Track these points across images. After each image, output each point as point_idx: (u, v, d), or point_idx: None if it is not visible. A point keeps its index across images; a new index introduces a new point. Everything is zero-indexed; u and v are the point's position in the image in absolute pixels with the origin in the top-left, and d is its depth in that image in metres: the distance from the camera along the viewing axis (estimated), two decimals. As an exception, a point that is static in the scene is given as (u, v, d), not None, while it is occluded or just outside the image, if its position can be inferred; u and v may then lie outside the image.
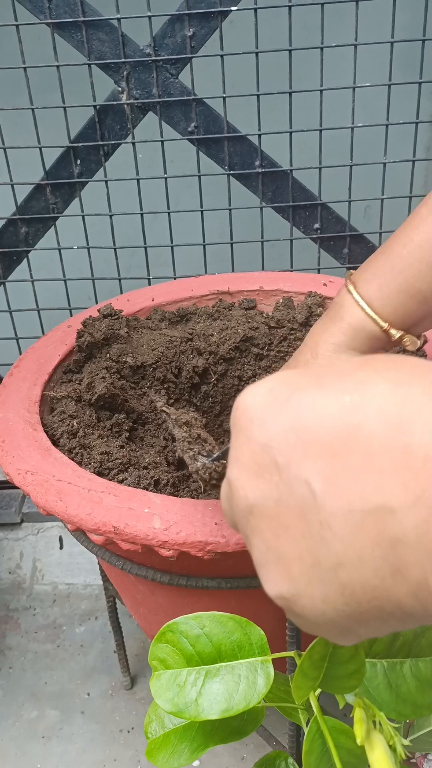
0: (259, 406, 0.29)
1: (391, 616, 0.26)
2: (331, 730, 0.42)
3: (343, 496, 0.26)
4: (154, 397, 0.74)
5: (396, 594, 0.25)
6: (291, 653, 0.49)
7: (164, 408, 0.60)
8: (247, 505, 0.29)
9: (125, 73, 0.95)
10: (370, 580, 0.26)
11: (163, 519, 0.56)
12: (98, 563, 0.93)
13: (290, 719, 0.55)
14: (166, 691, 0.45)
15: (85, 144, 1.00)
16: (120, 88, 0.96)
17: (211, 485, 0.45)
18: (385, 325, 0.58)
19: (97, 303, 1.03)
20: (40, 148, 1.00)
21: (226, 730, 0.49)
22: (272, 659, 0.47)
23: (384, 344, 0.60)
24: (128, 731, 1.01)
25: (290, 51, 0.92)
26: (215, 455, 0.45)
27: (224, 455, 0.44)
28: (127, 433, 0.73)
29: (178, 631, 0.46)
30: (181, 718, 0.44)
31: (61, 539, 1.27)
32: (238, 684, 0.45)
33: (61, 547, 1.27)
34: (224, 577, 0.62)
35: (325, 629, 0.29)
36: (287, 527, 0.28)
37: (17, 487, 1.36)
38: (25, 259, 1.10)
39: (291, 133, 0.98)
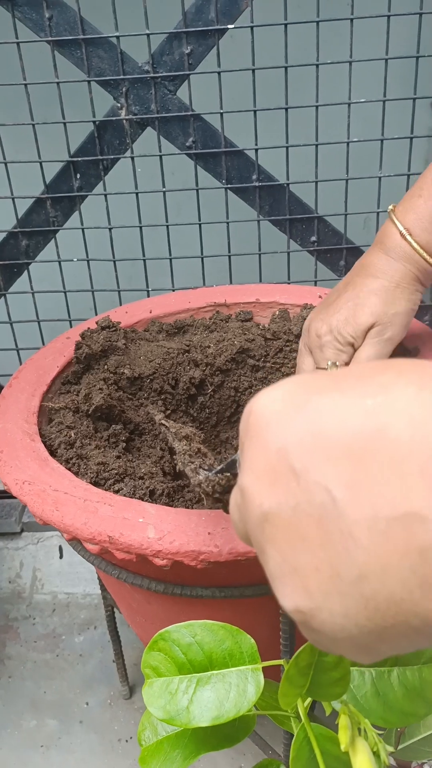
0: (275, 410, 0.28)
1: (417, 632, 0.25)
2: (318, 737, 0.42)
3: (367, 503, 0.24)
4: (152, 411, 0.74)
5: (424, 608, 0.24)
6: (281, 661, 0.49)
7: (163, 421, 0.61)
8: (261, 514, 0.28)
9: (124, 89, 0.96)
10: (397, 593, 0.24)
11: (157, 529, 0.57)
12: (97, 572, 0.94)
13: (282, 727, 0.55)
14: (158, 698, 0.46)
15: (85, 158, 1.01)
16: (119, 104, 0.98)
17: (213, 498, 0.45)
18: None
19: (97, 314, 1.05)
20: (41, 163, 1.01)
21: (218, 737, 0.50)
22: (263, 667, 0.47)
23: None
24: (126, 741, 1.02)
25: (286, 68, 0.94)
26: (218, 468, 0.45)
27: (227, 468, 0.44)
28: (124, 444, 0.74)
29: (170, 639, 0.47)
30: (172, 725, 0.45)
31: (60, 549, 1.28)
32: (229, 692, 0.46)
33: (60, 557, 1.28)
34: (218, 586, 0.63)
35: (345, 646, 0.27)
36: (305, 537, 0.26)
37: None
38: (26, 271, 1.12)
39: (287, 147, 1.00)
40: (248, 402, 0.31)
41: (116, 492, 0.65)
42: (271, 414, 0.28)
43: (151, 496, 0.66)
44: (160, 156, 1.00)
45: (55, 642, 1.17)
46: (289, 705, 0.42)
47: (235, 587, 0.63)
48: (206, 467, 0.49)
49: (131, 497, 0.64)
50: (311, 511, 0.26)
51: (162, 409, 0.80)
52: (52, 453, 0.69)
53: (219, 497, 0.45)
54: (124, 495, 0.64)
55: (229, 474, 0.44)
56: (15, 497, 1.37)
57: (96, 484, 0.66)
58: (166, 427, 0.59)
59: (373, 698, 0.45)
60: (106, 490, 0.65)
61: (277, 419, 0.28)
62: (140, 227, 1.06)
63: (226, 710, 0.44)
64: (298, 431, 0.27)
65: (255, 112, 0.97)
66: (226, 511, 0.45)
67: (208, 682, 0.46)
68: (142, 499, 0.64)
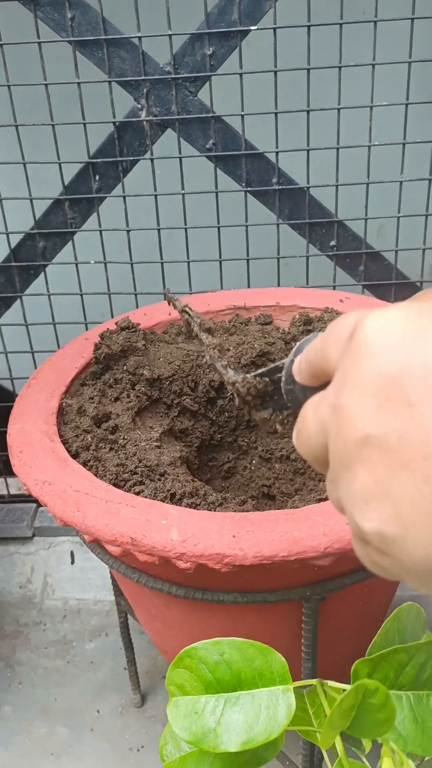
0: (394, 333, 0.27)
1: None
2: None
3: None
4: (170, 295, 0.65)
5: None
6: (313, 681, 0.48)
7: (186, 309, 0.58)
8: (362, 435, 0.27)
9: (145, 90, 0.96)
10: None
11: (180, 531, 0.55)
12: (111, 578, 0.92)
13: (307, 739, 0.54)
14: (183, 718, 0.44)
15: (104, 160, 1.01)
16: (139, 105, 0.97)
17: (245, 401, 0.44)
18: None
19: (113, 317, 1.04)
20: (60, 164, 1.01)
21: (245, 755, 0.47)
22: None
23: None
24: (138, 749, 1.00)
25: (308, 70, 0.93)
26: (260, 371, 0.44)
27: (269, 373, 0.43)
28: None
29: (197, 656, 0.45)
30: (198, 747, 0.43)
31: (72, 554, 1.27)
32: (259, 714, 0.43)
33: (72, 562, 1.27)
34: (240, 591, 0.62)
35: (415, 576, 0.27)
36: (407, 466, 0.26)
37: (29, 501, 1.35)
38: (42, 273, 1.11)
39: (308, 150, 0.99)
40: (351, 318, 0.30)
41: (137, 494, 0.64)
42: (389, 335, 0.27)
43: (172, 499, 0.64)
44: (180, 158, 0.99)
45: (66, 648, 1.16)
46: (327, 745, 0.41)
47: (258, 593, 0.62)
48: (232, 366, 0.48)
49: (153, 499, 0.63)
50: (421, 444, 0.25)
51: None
52: (72, 454, 0.68)
53: (251, 401, 0.44)
54: (146, 497, 0.63)
55: (267, 379, 0.43)
56: (27, 501, 1.35)
57: (116, 485, 0.65)
58: (189, 314, 0.57)
59: (411, 724, 0.43)
60: (126, 491, 0.64)
61: (395, 343, 0.27)
62: (158, 230, 1.05)
63: (256, 734, 0.42)
64: (421, 360, 0.26)
65: (276, 114, 0.96)
66: (249, 415, 0.44)
67: (237, 702, 0.44)
68: (164, 502, 0.63)
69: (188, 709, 0.44)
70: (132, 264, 1.08)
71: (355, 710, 0.40)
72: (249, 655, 0.45)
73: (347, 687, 0.44)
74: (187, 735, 0.43)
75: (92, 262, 1.09)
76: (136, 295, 1.11)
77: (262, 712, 0.44)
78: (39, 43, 0.93)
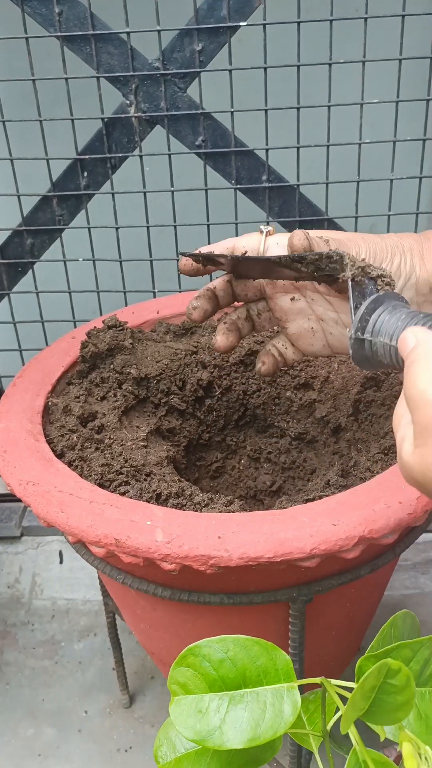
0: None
1: None
2: (375, 763, 0.41)
3: None
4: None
5: None
6: (318, 679, 0.47)
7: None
8: None
9: (133, 86, 0.95)
10: None
11: (165, 532, 0.55)
12: (98, 578, 0.92)
13: (300, 743, 0.53)
14: (186, 717, 0.43)
15: (93, 156, 1.00)
16: (128, 101, 0.96)
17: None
18: None
19: (101, 315, 1.03)
20: (47, 160, 1.00)
21: (243, 757, 0.46)
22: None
23: None
24: (126, 750, 1.00)
25: (298, 66, 0.92)
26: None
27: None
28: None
29: (201, 654, 0.44)
30: (203, 746, 0.42)
31: (61, 554, 1.26)
32: (264, 711, 0.43)
33: (61, 562, 1.26)
34: (226, 592, 0.61)
35: None
36: None
37: (17, 500, 1.35)
38: (30, 271, 1.10)
39: (298, 148, 0.98)
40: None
41: (122, 494, 0.63)
42: None
43: (158, 500, 0.64)
44: (169, 155, 0.99)
45: (54, 649, 1.15)
46: (347, 729, 0.40)
47: (244, 594, 0.61)
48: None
49: (138, 500, 0.62)
50: None
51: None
52: (56, 454, 0.68)
53: None
54: (131, 498, 0.62)
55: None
56: (16, 500, 1.34)
57: (101, 486, 0.64)
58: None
59: (416, 721, 0.43)
60: (111, 492, 0.63)
61: None
62: (147, 227, 1.04)
63: (262, 731, 0.42)
64: None
65: (266, 111, 0.96)
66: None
67: (242, 700, 0.43)
68: (149, 503, 0.62)
69: (192, 708, 0.43)
70: (121, 261, 1.07)
71: (375, 692, 0.40)
72: (253, 653, 0.44)
73: (352, 685, 0.44)
74: (191, 734, 0.42)
75: (81, 259, 1.08)
76: (125, 293, 1.10)
77: (268, 709, 0.43)
78: (26, 39, 0.92)
